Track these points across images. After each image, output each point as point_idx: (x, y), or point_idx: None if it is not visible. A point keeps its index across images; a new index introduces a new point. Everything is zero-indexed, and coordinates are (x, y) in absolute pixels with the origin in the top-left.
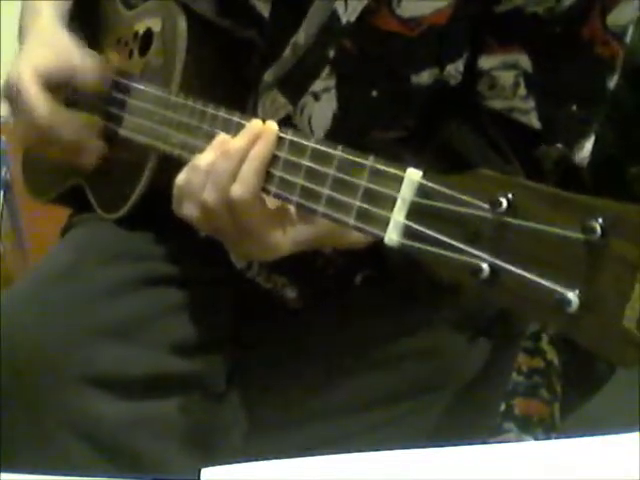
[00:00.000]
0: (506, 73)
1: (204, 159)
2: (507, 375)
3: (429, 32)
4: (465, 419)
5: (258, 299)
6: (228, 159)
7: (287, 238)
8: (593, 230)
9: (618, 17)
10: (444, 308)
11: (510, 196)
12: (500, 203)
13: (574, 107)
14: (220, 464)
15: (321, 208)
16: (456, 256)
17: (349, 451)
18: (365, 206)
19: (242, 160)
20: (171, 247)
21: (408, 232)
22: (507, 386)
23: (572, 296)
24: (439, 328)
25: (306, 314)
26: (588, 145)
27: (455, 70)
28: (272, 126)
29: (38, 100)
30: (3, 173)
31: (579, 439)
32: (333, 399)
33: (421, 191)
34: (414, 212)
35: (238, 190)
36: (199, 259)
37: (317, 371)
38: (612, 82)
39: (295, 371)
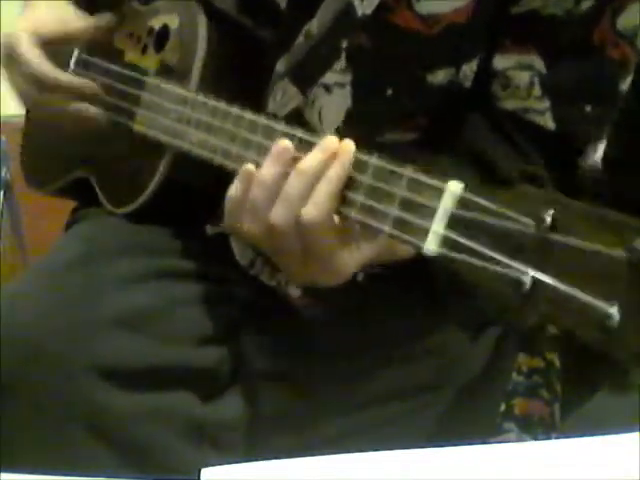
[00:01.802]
0: (521, 73)
1: (269, 173)
2: (507, 375)
3: (447, 31)
4: (465, 419)
5: (262, 296)
6: (302, 178)
7: (353, 260)
8: (636, 251)
9: (628, 19)
10: (448, 305)
11: (553, 213)
12: (544, 219)
13: (588, 108)
14: (222, 458)
15: (354, 214)
16: (497, 268)
17: (349, 450)
18: (403, 215)
19: (316, 180)
20: (177, 243)
21: (448, 243)
22: (507, 386)
23: (613, 311)
24: (442, 326)
25: (309, 312)
26: (601, 147)
27: (470, 70)
28: (349, 145)
29: (36, 57)
30: (3, 173)
31: (579, 439)
32: (334, 397)
33: (462, 203)
34: (454, 223)
35: (311, 212)
36: (205, 255)
37: (317, 370)
38: (625, 84)
39: (296, 369)
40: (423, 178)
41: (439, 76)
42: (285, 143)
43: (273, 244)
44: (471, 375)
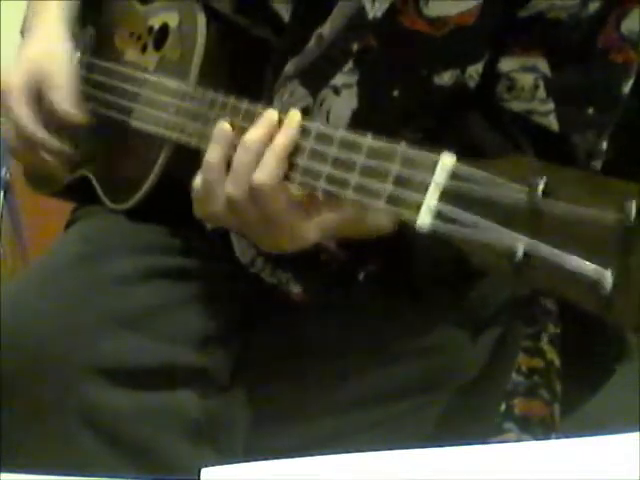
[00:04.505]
0: (525, 75)
1: (213, 156)
2: (507, 375)
3: (454, 33)
4: (465, 419)
5: (262, 294)
6: (246, 151)
7: (313, 226)
8: (629, 213)
9: (632, 24)
10: (447, 305)
11: (546, 180)
12: (536, 186)
13: (591, 111)
14: (221, 457)
15: (349, 194)
16: (490, 238)
17: (349, 449)
18: (396, 191)
19: (261, 150)
20: (177, 241)
21: (441, 215)
22: (507, 386)
23: (607, 276)
24: (441, 326)
25: (309, 311)
26: (602, 148)
27: (475, 72)
28: (295, 115)
29: (23, 113)
30: (3, 173)
31: (579, 439)
32: (334, 396)
33: (455, 175)
34: (447, 196)
35: (260, 177)
36: (205, 254)
37: (318, 368)
38: (627, 87)
39: (296, 368)
40: (415, 153)
41: (445, 77)
42: (226, 127)
43: (235, 218)
44: (471, 375)
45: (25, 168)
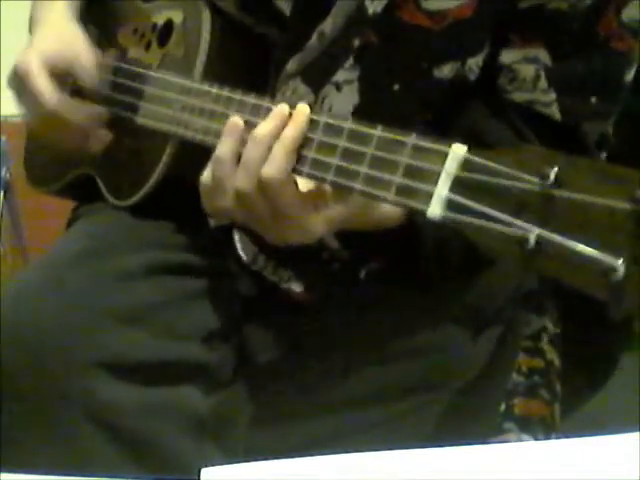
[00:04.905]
0: (527, 66)
1: (224, 150)
2: (507, 375)
3: (453, 26)
4: (465, 419)
5: (264, 292)
6: (257, 145)
7: (321, 219)
8: None
9: (633, 12)
10: (449, 302)
11: (557, 169)
12: (548, 176)
13: (593, 100)
14: (222, 454)
15: (358, 185)
16: (502, 227)
17: (349, 449)
18: (406, 182)
19: (271, 144)
20: (180, 238)
21: (452, 205)
22: (507, 386)
23: (618, 264)
24: (442, 325)
25: (310, 309)
26: (607, 137)
27: (475, 64)
28: (304, 108)
29: (45, 87)
30: (3, 173)
31: (579, 439)
32: (334, 395)
33: (466, 165)
34: (458, 185)
35: (269, 171)
36: (208, 251)
37: (318, 367)
38: (629, 76)
39: (297, 366)
40: (426, 143)
41: (445, 70)
42: (236, 120)
43: (244, 211)
44: (472, 374)
45: (27, 164)
